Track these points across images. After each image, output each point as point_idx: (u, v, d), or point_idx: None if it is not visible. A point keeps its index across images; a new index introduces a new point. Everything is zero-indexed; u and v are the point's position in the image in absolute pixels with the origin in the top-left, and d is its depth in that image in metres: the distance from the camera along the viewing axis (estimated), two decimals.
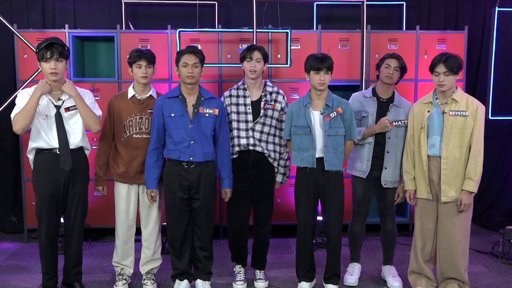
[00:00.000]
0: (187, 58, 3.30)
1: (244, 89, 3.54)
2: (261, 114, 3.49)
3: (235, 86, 3.60)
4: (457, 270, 3.29)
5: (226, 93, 3.60)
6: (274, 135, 3.56)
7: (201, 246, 3.46)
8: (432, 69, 3.26)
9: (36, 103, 3.11)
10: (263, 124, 3.50)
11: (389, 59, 3.56)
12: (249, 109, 3.49)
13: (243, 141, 3.48)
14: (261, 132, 3.50)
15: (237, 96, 3.53)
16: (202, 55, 3.37)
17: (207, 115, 3.32)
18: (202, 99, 3.35)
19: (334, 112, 3.31)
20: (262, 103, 3.50)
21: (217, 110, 3.35)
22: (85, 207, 3.44)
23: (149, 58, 3.42)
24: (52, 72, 3.13)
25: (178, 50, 4.43)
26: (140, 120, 3.46)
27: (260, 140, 3.49)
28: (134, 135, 3.46)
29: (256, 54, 3.47)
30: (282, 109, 3.55)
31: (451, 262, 3.29)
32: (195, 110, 3.32)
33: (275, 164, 3.57)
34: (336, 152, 3.33)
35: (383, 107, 3.56)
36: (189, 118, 3.31)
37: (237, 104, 3.51)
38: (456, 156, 3.21)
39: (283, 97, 3.59)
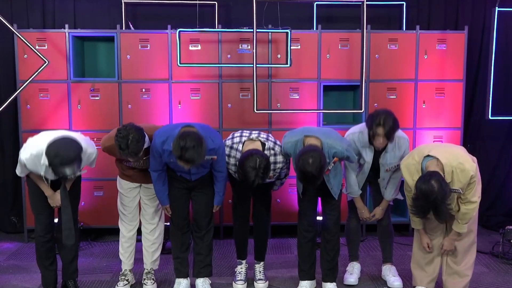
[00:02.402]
0: (185, 165, 3.05)
1: None
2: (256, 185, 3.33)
3: (233, 153, 3.36)
4: (463, 263, 3.31)
5: (227, 151, 3.38)
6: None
7: (201, 235, 3.50)
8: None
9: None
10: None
11: (377, 128, 3.31)
12: None
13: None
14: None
15: (235, 158, 3.36)
16: (201, 157, 3.04)
17: (205, 160, 3.24)
18: None
19: (331, 164, 3.25)
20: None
21: (215, 157, 3.28)
22: (77, 202, 3.46)
23: (136, 153, 3.09)
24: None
25: (178, 50, 4.44)
26: (137, 163, 3.41)
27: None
28: (133, 166, 3.46)
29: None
30: (281, 170, 3.44)
31: (459, 256, 3.30)
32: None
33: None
34: (337, 179, 3.37)
35: (378, 155, 3.51)
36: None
37: (235, 172, 3.36)
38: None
39: (281, 163, 3.38)
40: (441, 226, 3.34)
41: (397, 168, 3.46)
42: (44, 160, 2.96)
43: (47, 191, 3.26)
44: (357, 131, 3.54)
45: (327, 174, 3.27)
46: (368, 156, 3.51)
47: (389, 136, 3.34)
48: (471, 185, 3.08)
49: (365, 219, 3.65)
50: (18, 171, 3.25)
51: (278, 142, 3.42)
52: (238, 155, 3.32)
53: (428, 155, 3.09)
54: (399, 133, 3.49)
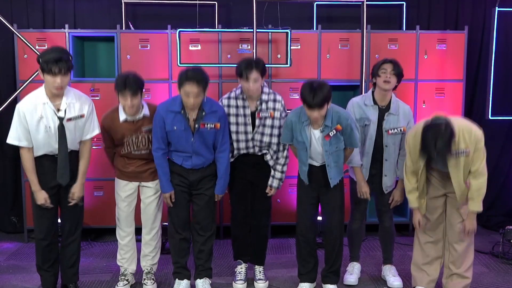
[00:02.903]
0: (190, 87, 3.13)
1: (243, 99, 3.46)
2: (257, 124, 3.45)
3: (233, 94, 3.50)
4: (463, 265, 3.31)
5: (225, 102, 3.50)
6: (276, 137, 3.52)
7: (202, 241, 3.48)
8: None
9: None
10: (262, 133, 3.47)
11: (384, 64, 3.50)
12: (248, 120, 3.45)
13: (242, 145, 3.49)
14: (261, 141, 3.48)
15: (237, 107, 3.46)
16: (206, 80, 3.20)
17: (208, 129, 3.31)
18: (203, 113, 3.28)
19: (334, 130, 3.25)
20: (257, 113, 3.45)
21: (218, 125, 3.31)
22: (82, 208, 3.45)
23: (134, 88, 3.22)
24: (57, 87, 3.09)
25: (178, 50, 4.45)
26: (137, 139, 3.43)
27: (260, 147, 3.50)
28: (133, 152, 3.46)
29: (254, 75, 3.31)
30: (280, 114, 3.49)
31: (458, 257, 3.30)
32: (196, 125, 3.29)
33: (271, 162, 3.55)
34: (338, 165, 3.35)
35: (382, 115, 3.53)
36: (191, 132, 3.30)
37: (237, 115, 3.45)
38: (465, 188, 3.18)
39: (281, 103, 3.50)
40: (440, 227, 3.35)
41: (403, 141, 3.49)
42: (43, 98, 3.13)
43: (35, 185, 3.21)
44: (360, 96, 3.67)
45: (327, 140, 3.25)
46: (373, 115, 3.51)
47: (397, 73, 3.46)
48: (478, 152, 3.09)
49: (363, 194, 3.55)
50: (12, 135, 3.18)
51: None
52: (240, 106, 3.46)
53: (436, 116, 3.12)
54: (402, 102, 3.61)
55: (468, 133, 3.07)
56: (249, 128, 3.45)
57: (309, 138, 3.29)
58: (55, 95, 3.15)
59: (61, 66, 3.03)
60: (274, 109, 3.46)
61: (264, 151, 3.51)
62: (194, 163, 3.36)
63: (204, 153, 3.35)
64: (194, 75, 3.14)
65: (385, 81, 3.46)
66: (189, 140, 3.30)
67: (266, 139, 3.47)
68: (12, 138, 3.19)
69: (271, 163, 3.54)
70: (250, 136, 3.46)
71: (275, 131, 3.48)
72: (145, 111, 3.41)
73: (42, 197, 3.21)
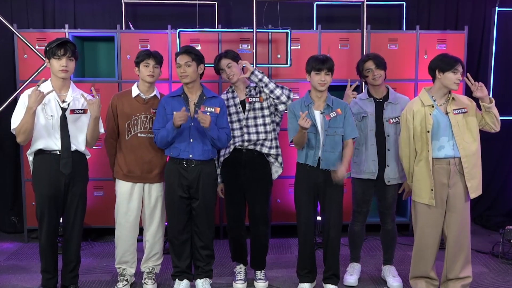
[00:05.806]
0: (180, 59, 3.35)
1: (232, 91, 3.60)
2: (247, 108, 3.52)
3: (224, 92, 3.67)
4: (465, 268, 3.31)
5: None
6: (271, 123, 3.55)
7: (202, 245, 3.47)
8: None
9: (32, 117, 3.09)
10: (255, 117, 3.52)
11: (366, 64, 3.56)
12: (239, 107, 3.55)
13: (237, 133, 3.52)
14: (256, 125, 3.52)
15: (227, 99, 3.58)
16: (196, 53, 3.37)
17: (208, 113, 3.32)
18: (204, 98, 3.39)
19: (334, 112, 3.31)
20: (246, 98, 3.54)
21: (218, 109, 3.36)
22: (84, 207, 3.44)
23: (158, 58, 3.44)
24: (62, 69, 3.16)
25: (178, 50, 4.45)
26: (145, 119, 3.47)
27: (257, 133, 3.51)
28: (139, 134, 3.46)
29: (224, 62, 3.51)
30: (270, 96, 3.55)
31: (461, 259, 3.30)
32: (196, 108, 3.34)
33: (273, 155, 3.56)
34: (334, 152, 3.34)
35: (380, 107, 3.58)
36: (190, 116, 3.34)
37: (228, 106, 3.56)
38: (473, 150, 3.24)
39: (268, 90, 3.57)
40: (438, 236, 3.35)
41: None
42: (49, 87, 3.20)
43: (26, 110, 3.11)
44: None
45: (327, 120, 3.28)
46: (369, 107, 3.59)
47: (379, 63, 3.54)
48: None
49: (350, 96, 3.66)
50: (14, 121, 3.16)
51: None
52: (229, 98, 3.60)
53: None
54: (399, 94, 3.70)
55: (465, 98, 3.35)
56: (241, 115, 3.54)
57: (314, 118, 3.34)
58: (61, 85, 3.23)
59: (66, 49, 3.14)
60: (261, 92, 3.55)
61: (263, 148, 3.52)
62: (192, 150, 3.34)
63: (201, 138, 3.35)
64: (185, 48, 3.41)
65: (374, 79, 3.55)
66: (188, 124, 3.33)
67: (260, 121, 3.51)
68: (14, 124, 3.18)
69: (272, 156, 3.57)
70: (244, 123, 3.52)
71: (266, 119, 3.52)
72: (157, 92, 3.55)
73: (35, 94, 3.04)
